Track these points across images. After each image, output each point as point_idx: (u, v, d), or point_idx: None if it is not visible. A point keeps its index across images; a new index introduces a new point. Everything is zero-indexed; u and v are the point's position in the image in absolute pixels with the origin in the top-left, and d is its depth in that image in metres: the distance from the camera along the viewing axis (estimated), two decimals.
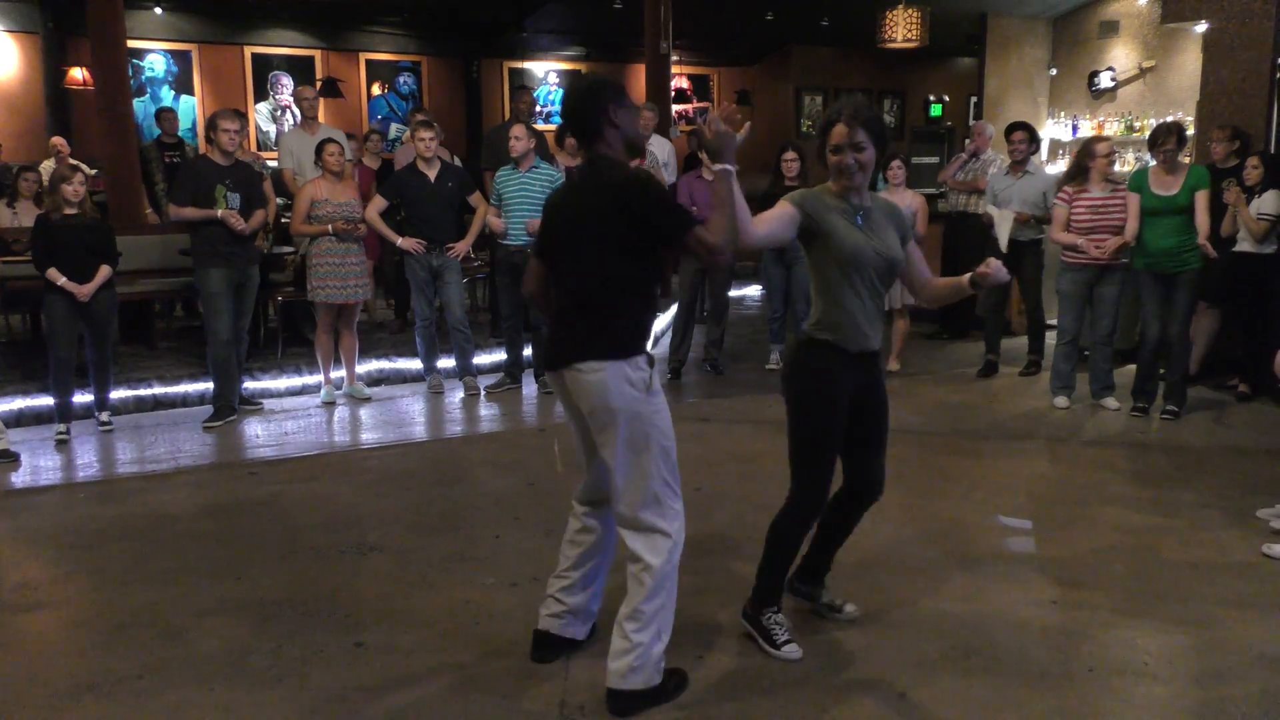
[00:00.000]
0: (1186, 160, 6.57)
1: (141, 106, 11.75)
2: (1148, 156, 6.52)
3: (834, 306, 3.31)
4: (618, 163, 3.16)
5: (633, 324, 3.09)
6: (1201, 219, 6.16)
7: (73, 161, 8.74)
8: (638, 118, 3.50)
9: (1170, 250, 6.18)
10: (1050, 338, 7.35)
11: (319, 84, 12.22)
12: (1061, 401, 6.71)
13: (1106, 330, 6.53)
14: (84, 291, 6.00)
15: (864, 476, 3.53)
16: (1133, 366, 6.79)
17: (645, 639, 3.04)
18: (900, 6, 9.77)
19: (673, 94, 12.30)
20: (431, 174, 6.96)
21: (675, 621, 3.21)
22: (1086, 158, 6.44)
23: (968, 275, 3.34)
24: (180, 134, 10.05)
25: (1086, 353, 6.84)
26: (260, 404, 6.97)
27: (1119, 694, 3.22)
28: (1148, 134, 9.25)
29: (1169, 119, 8.24)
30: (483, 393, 7.25)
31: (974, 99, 11.87)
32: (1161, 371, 6.52)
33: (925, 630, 3.63)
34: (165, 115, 9.67)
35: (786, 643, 3.43)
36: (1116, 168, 9.52)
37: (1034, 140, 7.54)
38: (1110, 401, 6.64)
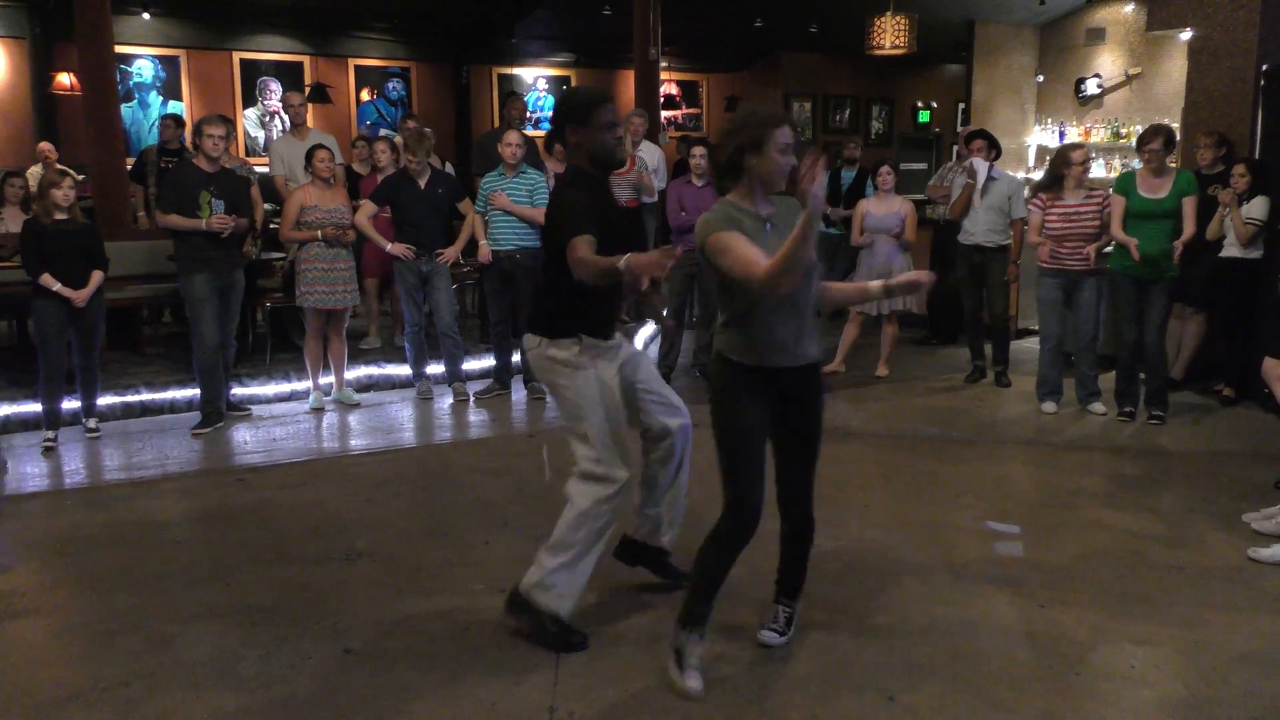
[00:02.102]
0: (1173, 165, 6.62)
1: (129, 112, 11.72)
2: (1135, 162, 6.57)
3: (753, 322, 3.19)
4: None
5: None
6: (1189, 225, 6.21)
7: (61, 167, 8.71)
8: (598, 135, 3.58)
9: (1152, 256, 6.22)
10: (1030, 344, 7.39)
11: (307, 90, 12.20)
12: (1049, 407, 6.74)
13: (1089, 336, 6.56)
14: (80, 297, 5.97)
15: (790, 505, 3.44)
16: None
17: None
18: (888, 13, 9.81)
19: (662, 100, 12.32)
20: (421, 180, 6.96)
21: (667, 625, 3.29)
22: (1062, 165, 6.48)
23: (881, 282, 3.34)
24: (180, 140, 10.00)
25: (1073, 358, 6.87)
26: (249, 410, 6.95)
27: (1106, 697, 3.24)
28: (1134, 140, 9.35)
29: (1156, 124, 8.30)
30: (471, 398, 7.25)
31: (962, 105, 11.93)
32: (1143, 378, 6.56)
33: (913, 634, 3.64)
34: (167, 121, 9.63)
35: (689, 670, 3.25)
36: (1103, 173, 9.62)
37: (994, 147, 7.57)
38: (1097, 407, 6.67)
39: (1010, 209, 7.30)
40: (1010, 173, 7.94)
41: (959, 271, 7.62)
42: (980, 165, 7.42)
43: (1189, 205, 6.20)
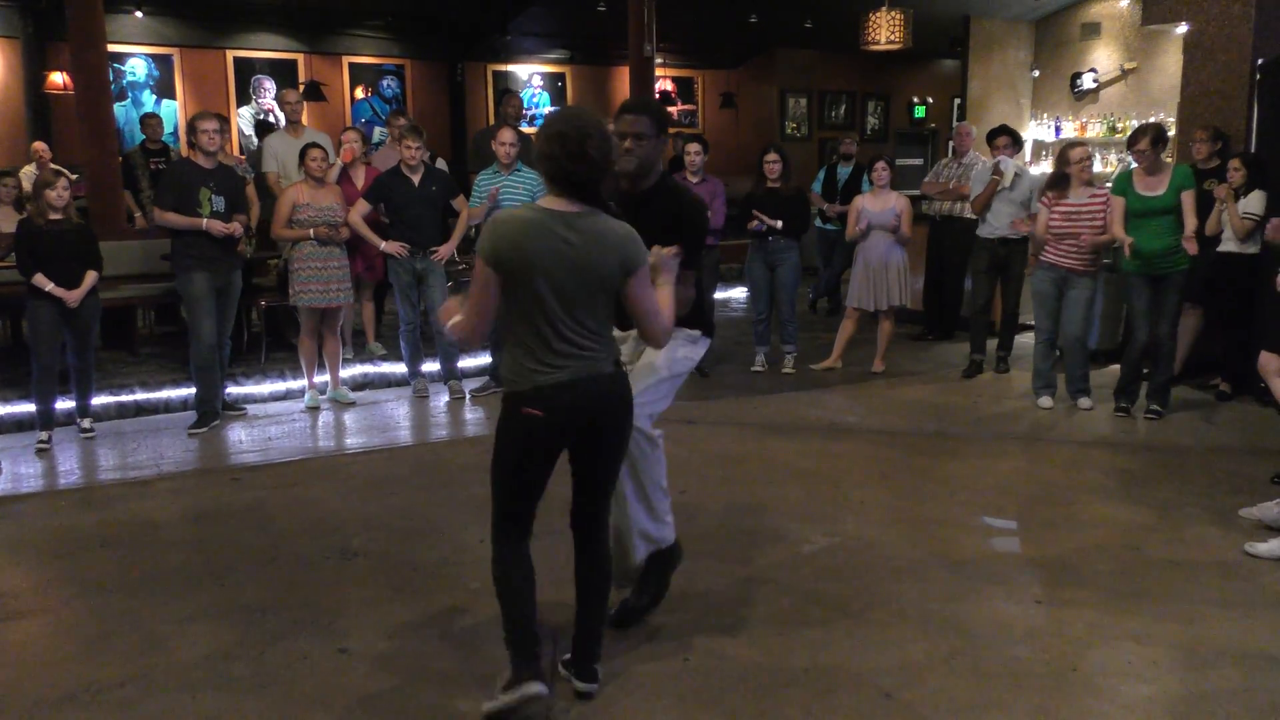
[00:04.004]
0: (1169, 161, 6.62)
1: (123, 111, 11.69)
2: (1129, 157, 6.58)
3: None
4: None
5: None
6: (1189, 218, 6.22)
7: (55, 167, 8.68)
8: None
9: (1160, 252, 6.23)
10: (1027, 339, 7.41)
11: (302, 87, 12.17)
12: (1045, 401, 6.74)
13: (1077, 332, 6.55)
14: (73, 297, 5.96)
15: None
16: (1116, 367, 6.83)
17: None
18: (883, 9, 9.79)
19: (657, 97, 12.30)
20: (415, 178, 6.94)
21: (663, 623, 3.28)
22: (1064, 164, 6.53)
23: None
24: (164, 139, 9.99)
25: (1058, 353, 6.86)
26: (244, 409, 6.94)
27: (1103, 693, 3.24)
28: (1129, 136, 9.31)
29: (1150, 120, 8.30)
30: (467, 396, 7.23)
31: (957, 101, 11.91)
32: (1145, 372, 6.56)
33: (910, 631, 3.63)
34: (149, 121, 9.62)
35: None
36: (1099, 168, 9.61)
37: (1018, 143, 7.64)
38: (1084, 402, 6.68)
39: (1031, 203, 7.36)
40: (1031, 169, 8.00)
41: (978, 264, 7.68)
42: (1008, 164, 7.52)
43: (1187, 199, 6.21)
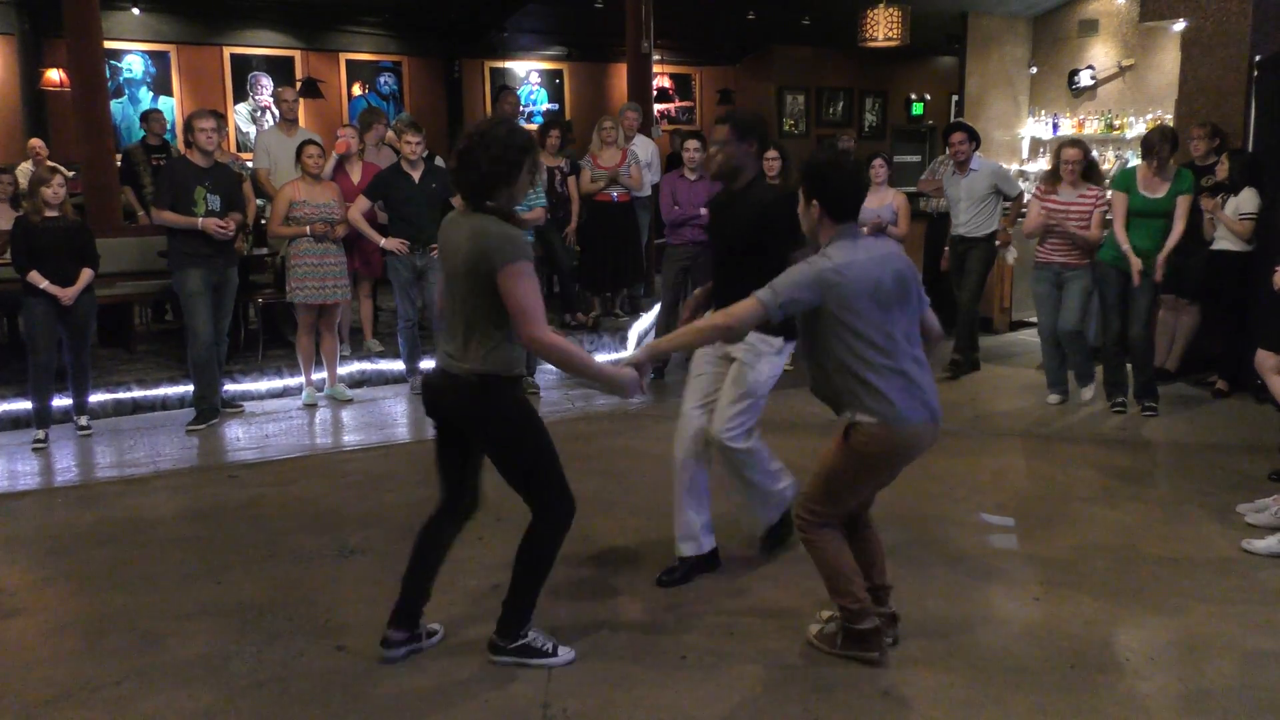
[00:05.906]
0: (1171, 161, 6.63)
1: (119, 108, 11.66)
2: (1128, 155, 6.58)
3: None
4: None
5: None
6: (1178, 225, 6.23)
7: (51, 164, 8.67)
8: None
9: (1145, 252, 6.24)
10: (1024, 336, 7.41)
11: (299, 85, 12.15)
12: (1054, 399, 6.76)
13: (1073, 324, 6.50)
14: (67, 295, 5.95)
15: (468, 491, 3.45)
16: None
17: None
18: (881, 5, 9.78)
19: (655, 93, 12.29)
20: (416, 174, 6.94)
21: (661, 621, 3.30)
22: (1057, 160, 6.54)
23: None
24: (165, 136, 9.96)
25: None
26: (241, 407, 6.93)
27: (1100, 690, 3.24)
28: (1127, 132, 9.32)
29: (1155, 118, 8.30)
30: None
31: (955, 98, 11.91)
32: (1130, 369, 6.57)
33: (907, 628, 3.62)
34: (152, 117, 9.59)
35: (558, 646, 3.42)
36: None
37: (974, 139, 7.48)
38: (1086, 393, 6.69)
39: (1003, 189, 7.32)
40: (987, 160, 7.85)
41: (949, 263, 7.64)
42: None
43: (1182, 204, 6.22)
